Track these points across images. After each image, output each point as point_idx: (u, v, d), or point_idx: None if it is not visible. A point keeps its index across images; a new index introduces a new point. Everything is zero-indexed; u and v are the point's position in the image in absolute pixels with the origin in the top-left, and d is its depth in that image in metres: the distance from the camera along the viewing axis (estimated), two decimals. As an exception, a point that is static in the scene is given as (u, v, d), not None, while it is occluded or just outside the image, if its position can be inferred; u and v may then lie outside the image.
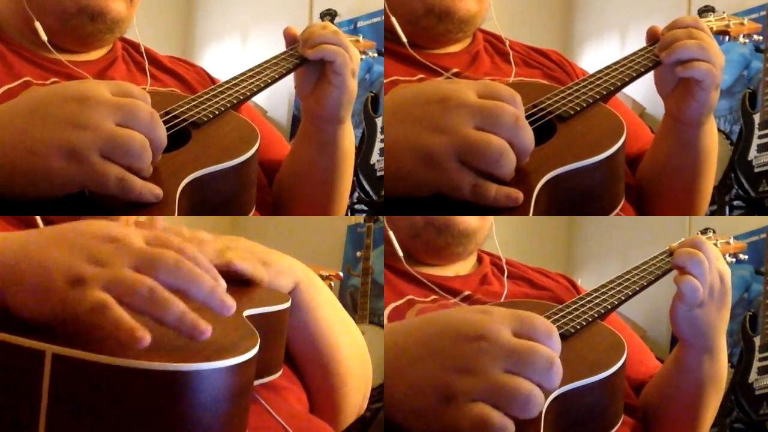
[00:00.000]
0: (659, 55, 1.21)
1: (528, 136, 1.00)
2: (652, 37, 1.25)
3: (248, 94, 1.21)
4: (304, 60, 1.25)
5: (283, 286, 1.07)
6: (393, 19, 1.38)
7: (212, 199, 1.09)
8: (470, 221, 1.31)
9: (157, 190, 1.01)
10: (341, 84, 1.24)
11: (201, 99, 1.18)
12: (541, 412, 0.89)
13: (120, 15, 1.29)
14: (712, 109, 1.24)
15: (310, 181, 1.32)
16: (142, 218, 1.21)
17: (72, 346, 0.76)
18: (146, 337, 0.75)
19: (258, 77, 1.24)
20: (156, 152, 1.01)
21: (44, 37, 1.28)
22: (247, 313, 0.95)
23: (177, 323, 0.78)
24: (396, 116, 1.03)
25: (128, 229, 0.84)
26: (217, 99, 1.19)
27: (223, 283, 0.83)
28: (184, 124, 1.13)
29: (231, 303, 0.82)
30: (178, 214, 1.03)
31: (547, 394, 0.88)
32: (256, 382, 0.97)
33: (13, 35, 1.30)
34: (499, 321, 0.88)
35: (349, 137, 1.31)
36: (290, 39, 1.28)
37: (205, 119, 1.15)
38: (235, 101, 1.19)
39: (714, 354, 1.20)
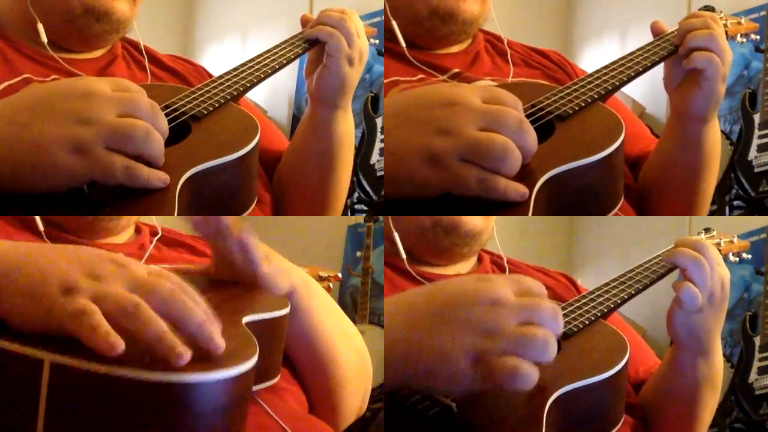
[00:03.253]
0: (676, 44, 1.22)
1: (531, 138, 1.00)
2: (657, 32, 1.25)
3: (248, 85, 1.21)
4: (313, 42, 1.27)
5: (280, 285, 1.07)
6: (393, 23, 1.38)
7: (213, 194, 1.09)
8: (476, 222, 1.32)
9: (165, 176, 1.01)
10: (333, 66, 1.26)
11: (201, 92, 1.18)
12: (543, 409, 0.91)
13: (125, 15, 1.30)
14: (716, 105, 1.24)
15: (305, 166, 1.32)
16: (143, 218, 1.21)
17: (71, 355, 0.75)
18: (119, 344, 0.75)
19: (258, 68, 1.24)
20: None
21: (44, 39, 1.28)
22: (246, 319, 0.95)
23: (155, 343, 0.77)
24: (398, 119, 1.03)
25: (134, 260, 0.85)
26: (216, 91, 1.18)
27: (216, 325, 0.82)
28: (184, 117, 1.13)
29: (220, 342, 0.81)
30: (179, 209, 1.02)
31: (552, 388, 0.91)
32: (255, 388, 0.96)
33: (14, 33, 1.31)
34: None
35: (345, 125, 1.32)
36: (305, 23, 1.30)
37: (205, 112, 1.14)
38: (235, 93, 1.19)
39: (709, 356, 1.20)
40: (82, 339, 0.76)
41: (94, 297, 0.78)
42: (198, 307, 0.82)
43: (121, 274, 0.81)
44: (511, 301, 0.90)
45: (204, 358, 0.80)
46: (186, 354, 0.77)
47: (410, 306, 0.93)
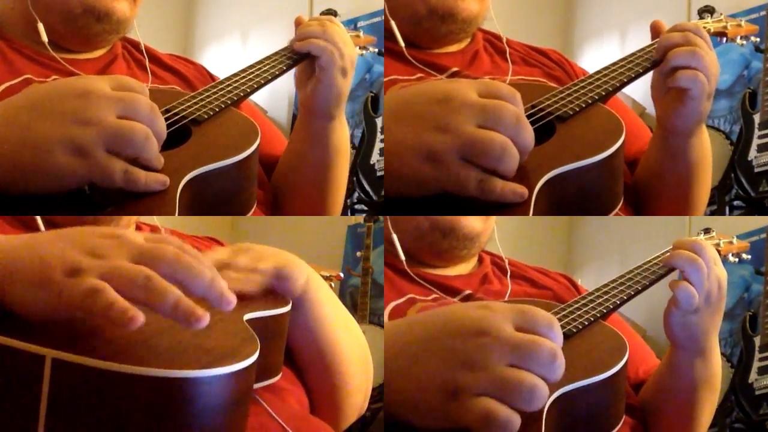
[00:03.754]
0: (656, 58, 1.20)
1: (528, 134, 1.00)
2: (656, 32, 1.24)
3: (249, 90, 1.21)
4: (306, 55, 1.26)
5: (298, 281, 1.07)
6: (392, 23, 1.38)
7: (213, 197, 1.09)
8: (475, 224, 1.32)
9: (163, 178, 1.01)
10: (327, 80, 1.25)
11: (202, 96, 1.18)
12: (543, 409, 0.90)
13: (125, 15, 1.30)
14: (701, 120, 1.22)
15: (301, 175, 1.33)
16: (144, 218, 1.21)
17: (72, 351, 0.75)
18: (138, 316, 0.75)
19: (259, 74, 1.24)
20: (157, 143, 1.01)
21: (45, 39, 1.28)
22: (247, 316, 0.95)
23: (173, 311, 0.77)
24: (397, 116, 1.03)
25: (130, 231, 0.84)
26: (217, 96, 1.19)
27: (224, 281, 0.83)
28: (185, 121, 1.13)
29: (231, 297, 0.82)
30: (179, 212, 1.03)
31: (551, 387, 0.88)
32: (256, 385, 0.97)
33: (14, 34, 1.31)
34: (501, 315, 0.88)
35: (340, 134, 1.32)
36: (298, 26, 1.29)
37: (206, 116, 1.15)
38: (235, 98, 1.19)
39: (706, 356, 1.20)
40: (99, 317, 0.75)
41: (101, 275, 0.78)
42: (204, 266, 0.82)
43: (121, 247, 0.81)
44: (505, 336, 0.86)
45: (205, 354, 0.80)
46: (205, 316, 0.77)
47: (407, 330, 0.92)
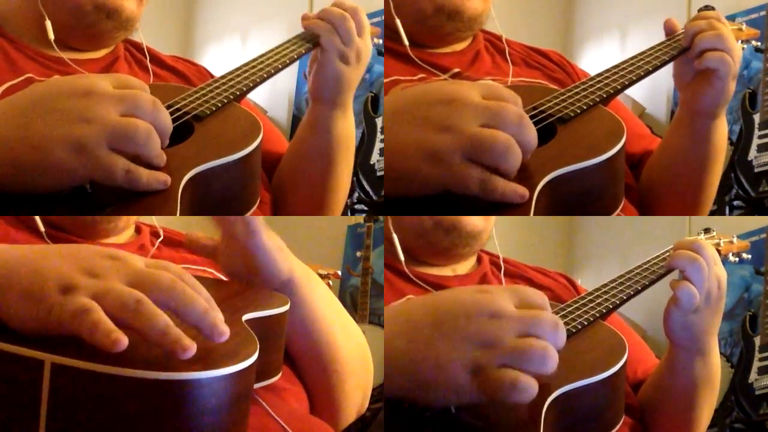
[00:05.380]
0: (684, 46, 1.23)
1: (532, 133, 1.01)
2: (670, 30, 1.27)
3: (251, 85, 1.21)
4: (316, 42, 1.26)
5: (280, 263, 1.07)
6: (397, 21, 1.38)
7: (216, 194, 1.09)
8: (477, 222, 1.32)
9: (164, 177, 1.01)
10: (326, 63, 1.26)
11: (203, 91, 1.18)
12: (542, 409, 0.92)
13: (133, 14, 1.31)
14: (727, 100, 1.26)
15: (304, 163, 1.32)
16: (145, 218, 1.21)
17: (71, 356, 0.75)
18: (122, 340, 0.75)
19: (260, 68, 1.24)
20: (163, 137, 1.01)
21: (51, 36, 1.28)
22: (246, 317, 0.95)
23: (160, 338, 0.77)
24: (399, 117, 1.03)
25: (130, 254, 0.85)
26: (219, 91, 1.18)
27: (219, 313, 0.83)
28: (187, 117, 1.13)
29: (224, 328, 0.81)
30: (181, 210, 1.02)
31: (551, 387, 0.91)
32: (256, 386, 0.97)
33: (16, 33, 1.31)
34: (501, 297, 0.92)
35: (343, 125, 1.31)
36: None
37: (208, 112, 1.14)
38: (237, 93, 1.19)
39: (706, 356, 1.21)
40: (85, 337, 0.76)
41: (94, 295, 0.78)
42: (199, 296, 0.82)
43: (119, 269, 0.81)
44: (511, 313, 0.90)
45: (204, 355, 0.80)
46: (192, 347, 0.77)
47: (409, 316, 0.94)
